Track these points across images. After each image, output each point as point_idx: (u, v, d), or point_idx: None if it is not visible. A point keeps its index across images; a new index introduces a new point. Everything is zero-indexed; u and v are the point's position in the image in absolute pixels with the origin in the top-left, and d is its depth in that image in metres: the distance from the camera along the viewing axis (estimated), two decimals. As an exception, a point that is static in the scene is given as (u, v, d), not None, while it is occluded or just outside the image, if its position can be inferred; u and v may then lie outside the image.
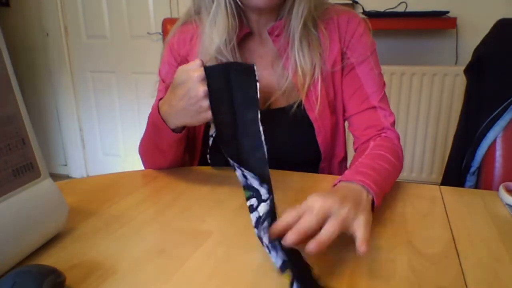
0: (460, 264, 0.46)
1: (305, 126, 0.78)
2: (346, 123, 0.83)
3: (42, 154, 0.49)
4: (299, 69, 0.74)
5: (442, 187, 0.68)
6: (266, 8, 0.71)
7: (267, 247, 0.45)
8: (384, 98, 0.78)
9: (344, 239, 0.51)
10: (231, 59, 0.74)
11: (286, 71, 0.76)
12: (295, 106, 0.76)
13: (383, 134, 0.75)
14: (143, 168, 0.79)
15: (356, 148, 0.78)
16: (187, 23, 0.80)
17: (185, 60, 0.79)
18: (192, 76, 0.58)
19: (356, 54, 0.77)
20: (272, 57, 0.79)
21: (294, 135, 0.79)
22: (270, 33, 0.76)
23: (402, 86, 1.90)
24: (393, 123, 0.77)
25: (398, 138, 0.76)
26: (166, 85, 0.80)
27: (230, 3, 0.70)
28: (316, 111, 0.76)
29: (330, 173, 0.84)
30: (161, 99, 0.68)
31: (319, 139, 0.78)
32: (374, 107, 0.77)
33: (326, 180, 0.72)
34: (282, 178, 0.71)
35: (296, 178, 0.72)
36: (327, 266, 0.45)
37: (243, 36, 0.77)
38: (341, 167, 0.85)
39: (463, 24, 1.85)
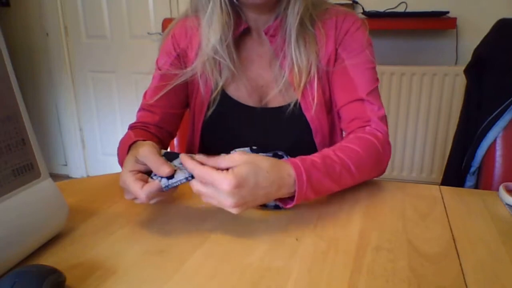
0: (460, 264, 0.46)
1: (302, 126, 0.77)
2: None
3: (42, 154, 0.49)
4: (295, 67, 0.74)
5: (442, 187, 0.68)
6: (263, 4, 0.71)
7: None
8: (374, 92, 0.75)
9: (344, 241, 0.51)
10: (226, 58, 0.74)
11: (283, 70, 0.75)
12: (291, 105, 0.76)
13: (367, 127, 0.72)
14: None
15: None
16: (188, 17, 0.80)
17: (184, 53, 0.79)
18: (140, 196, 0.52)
19: (347, 49, 0.75)
20: (270, 57, 0.78)
21: (291, 134, 0.79)
22: (266, 33, 0.75)
23: (402, 86, 1.90)
24: (382, 117, 0.73)
25: (385, 132, 0.72)
26: (162, 73, 0.79)
27: (225, 1, 0.70)
28: (312, 111, 0.75)
29: None
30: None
31: (317, 140, 0.78)
32: (361, 100, 0.74)
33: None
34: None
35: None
36: (326, 266, 0.45)
37: (241, 33, 0.76)
38: None
39: (463, 24, 1.85)
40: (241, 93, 0.78)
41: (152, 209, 0.60)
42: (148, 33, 2.33)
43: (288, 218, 0.56)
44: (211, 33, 0.72)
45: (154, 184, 0.51)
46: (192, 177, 0.51)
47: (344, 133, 0.79)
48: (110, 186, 0.69)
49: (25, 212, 0.46)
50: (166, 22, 1.15)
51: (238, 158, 0.51)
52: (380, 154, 0.68)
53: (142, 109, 0.81)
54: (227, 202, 0.50)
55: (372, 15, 1.84)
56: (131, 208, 0.60)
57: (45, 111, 2.71)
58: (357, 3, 1.91)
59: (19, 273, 0.38)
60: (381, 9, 1.88)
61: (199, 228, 0.54)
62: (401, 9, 1.87)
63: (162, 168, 0.51)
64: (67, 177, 2.74)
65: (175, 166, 0.53)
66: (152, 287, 0.42)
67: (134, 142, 0.62)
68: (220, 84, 0.76)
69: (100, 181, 0.72)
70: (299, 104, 0.76)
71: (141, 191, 0.50)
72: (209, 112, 0.78)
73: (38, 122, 2.71)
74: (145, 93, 0.82)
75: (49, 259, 0.47)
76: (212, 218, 0.57)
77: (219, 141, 0.81)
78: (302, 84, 0.74)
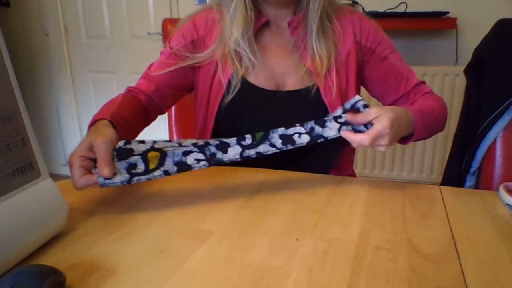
0: (460, 264, 0.46)
1: (319, 110, 0.80)
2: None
3: (42, 154, 0.49)
4: (317, 56, 0.80)
5: (442, 187, 0.68)
6: (283, 1, 0.78)
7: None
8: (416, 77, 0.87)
9: (344, 241, 0.51)
10: (247, 50, 0.79)
11: (304, 60, 0.81)
12: (313, 90, 0.80)
13: (427, 94, 0.86)
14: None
15: None
16: (211, 9, 0.85)
17: (201, 40, 0.83)
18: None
19: (381, 46, 0.84)
20: (289, 47, 0.83)
21: (308, 118, 0.82)
22: (289, 25, 0.81)
23: (402, 86, 1.90)
24: (432, 90, 0.87)
25: (441, 98, 0.87)
26: (172, 52, 0.84)
27: None
28: (333, 95, 0.80)
29: (341, 160, 0.86)
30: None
31: None
32: (417, 84, 0.85)
33: (333, 180, 0.73)
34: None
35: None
36: (326, 266, 0.45)
37: (261, 25, 0.81)
38: (350, 155, 0.87)
39: (463, 24, 1.85)
40: (259, 80, 0.82)
41: (153, 209, 0.60)
42: (148, 33, 2.33)
43: (288, 219, 0.57)
44: (234, 28, 0.78)
45: (91, 179, 0.57)
46: (129, 182, 0.57)
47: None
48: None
49: (25, 212, 0.46)
50: (166, 22, 1.15)
51: (378, 109, 0.66)
52: (444, 111, 0.86)
53: (142, 77, 0.86)
54: (384, 142, 0.65)
55: (372, 15, 1.84)
56: (131, 208, 0.60)
57: (45, 111, 2.71)
58: (357, 3, 1.91)
59: (19, 273, 0.38)
60: (381, 9, 1.89)
61: (199, 228, 0.54)
62: (401, 9, 1.87)
63: (104, 169, 0.57)
64: (67, 177, 2.73)
65: (119, 169, 0.59)
66: (152, 287, 0.42)
67: (103, 119, 0.68)
68: (241, 73, 0.80)
69: (100, 181, 0.72)
70: (318, 89, 0.80)
71: (78, 180, 0.56)
72: (229, 98, 0.81)
73: (38, 122, 2.71)
74: (151, 64, 0.86)
75: (49, 259, 0.47)
76: (212, 218, 0.57)
77: (237, 125, 0.83)
78: (324, 71, 0.80)
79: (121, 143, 0.61)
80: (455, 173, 1.12)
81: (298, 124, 0.68)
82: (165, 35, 1.15)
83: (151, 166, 0.60)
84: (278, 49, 0.83)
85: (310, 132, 0.67)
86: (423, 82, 0.87)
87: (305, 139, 0.67)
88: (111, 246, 0.50)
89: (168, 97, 0.87)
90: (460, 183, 1.07)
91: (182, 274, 0.44)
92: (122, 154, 0.60)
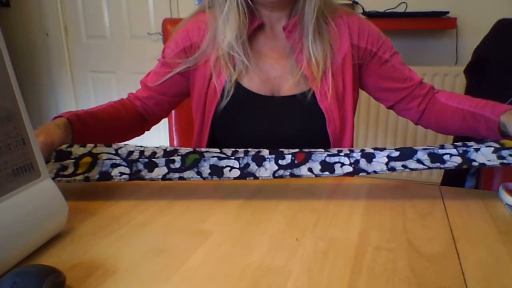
0: (460, 264, 0.46)
1: (315, 115, 0.80)
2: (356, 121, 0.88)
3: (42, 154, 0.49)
4: (313, 59, 0.78)
5: (442, 187, 0.68)
6: (278, 2, 0.76)
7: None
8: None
9: (344, 241, 0.51)
10: (241, 54, 0.78)
11: (299, 64, 0.79)
12: (308, 95, 0.79)
13: (440, 92, 0.85)
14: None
15: (421, 101, 0.85)
16: (203, 12, 0.84)
17: (196, 47, 0.82)
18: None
19: (383, 49, 0.82)
20: (284, 51, 0.82)
21: (304, 123, 0.81)
22: (284, 29, 0.79)
23: (402, 86, 1.90)
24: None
25: None
26: (164, 61, 0.85)
27: (242, 1, 0.75)
28: (328, 99, 0.79)
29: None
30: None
31: (329, 129, 0.81)
32: (420, 82, 0.85)
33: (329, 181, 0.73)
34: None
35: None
36: (326, 266, 0.45)
37: (255, 28, 0.80)
38: None
39: (463, 24, 1.85)
40: (254, 84, 0.81)
41: (153, 209, 0.60)
42: (148, 33, 2.33)
43: (288, 219, 0.57)
44: (227, 31, 0.76)
45: None
46: (52, 179, 0.61)
47: (420, 104, 0.85)
48: (110, 186, 0.69)
49: (25, 212, 0.46)
50: (166, 22, 1.15)
51: None
52: None
53: (140, 83, 0.88)
54: None
55: (372, 15, 1.84)
56: (131, 208, 0.60)
57: (45, 111, 2.71)
58: (357, 3, 1.91)
59: (19, 273, 0.38)
60: (381, 9, 1.89)
61: (199, 228, 0.54)
62: (401, 9, 1.87)
63: None
64: (67, 177, 2.74)
65: (52, 169, 0.62)
66: (152, 287, 0.42)
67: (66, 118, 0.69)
68: (234, 77, 0.79)
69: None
70: (314, 94, 0.79)
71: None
72: (223, 103, 0.80)
73: (38, 122, 2.70)
74: (149, 72, 0.88)
75: (49, 259, 0.47)
76: (212, 218, 0.57)
77: (232, 130, 0.83)
78: (320, 75, 0.78)
79: (63, 147, 0.64)
80: (455, 174, 1.12)
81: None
82: (165, 35, 1.15)
83: (79, 171, 0.63)
84: (273, 52, 0.82)
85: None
86: (425, 82, 0.86)
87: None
88: (111, 246, 0.50)
89: (163, 103, 0.88)
90: (460, 184, 1.08)
91: (182, 274, 0.44)
92: (61, 156, 0.63)
